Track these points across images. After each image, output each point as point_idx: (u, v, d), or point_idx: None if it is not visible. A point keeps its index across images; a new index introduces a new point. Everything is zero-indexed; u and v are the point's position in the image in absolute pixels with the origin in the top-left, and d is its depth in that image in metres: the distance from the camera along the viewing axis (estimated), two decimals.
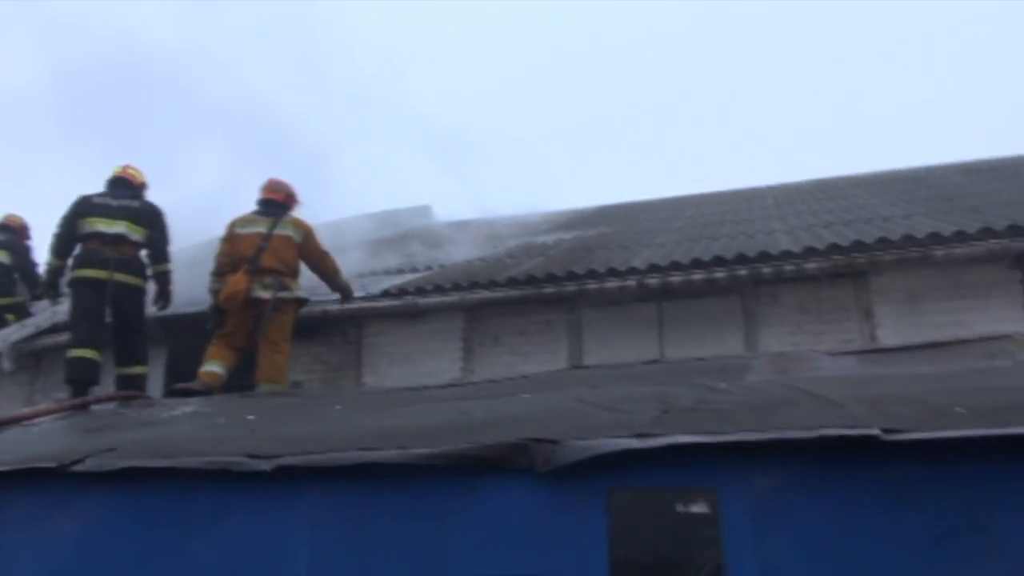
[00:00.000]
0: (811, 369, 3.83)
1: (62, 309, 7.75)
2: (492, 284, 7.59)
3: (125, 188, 6.43)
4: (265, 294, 5.81)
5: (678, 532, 2.49)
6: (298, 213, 6.45)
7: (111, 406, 5.12)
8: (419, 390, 4.74)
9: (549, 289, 7.39)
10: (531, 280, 7.54)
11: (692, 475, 2.59)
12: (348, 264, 9.34)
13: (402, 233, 14.98)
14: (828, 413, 2.67)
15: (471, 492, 2.88)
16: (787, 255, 6.99)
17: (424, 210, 18.96)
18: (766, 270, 6.92)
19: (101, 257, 6.04)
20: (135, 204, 6.34)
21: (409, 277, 8.93)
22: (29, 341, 7.59)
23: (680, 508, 2.53)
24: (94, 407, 5.05)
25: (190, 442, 3.41)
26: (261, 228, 6.06)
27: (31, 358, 8.04)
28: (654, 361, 5.48)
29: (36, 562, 3.33)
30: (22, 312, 7.50)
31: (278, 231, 6.06)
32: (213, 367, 5.84)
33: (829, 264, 6.80)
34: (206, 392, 5.54)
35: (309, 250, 6.13)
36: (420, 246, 12.39)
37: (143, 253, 6.35)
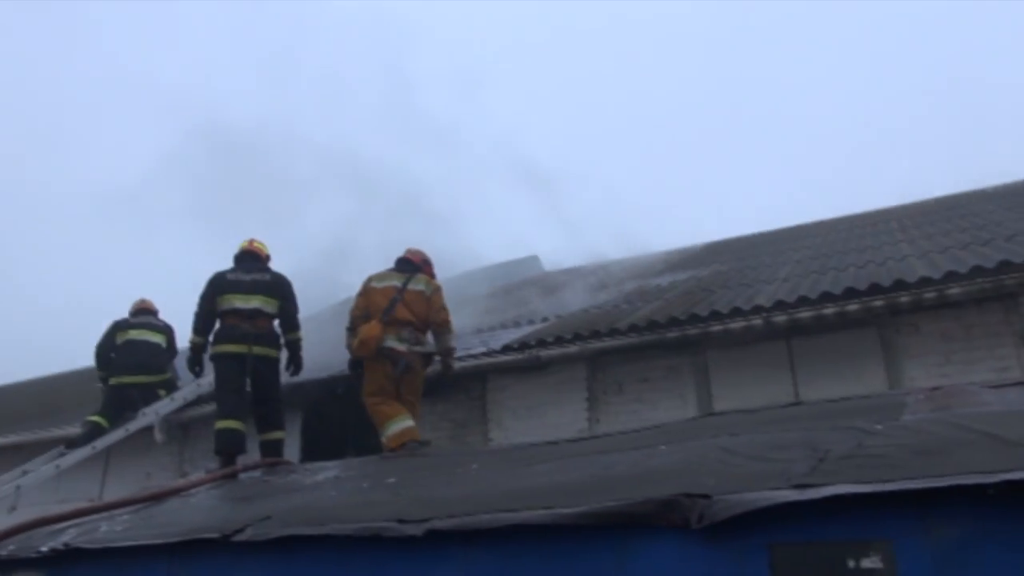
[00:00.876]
0: (974, 404, 3.56)
1: (205, 382, 8.21)
2: (613, 332, 7.51)
3: (253, 261, 6.80)
4: (400, 346, 5.93)
5: None
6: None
7: (257, 473, 5.34)
8: (553, 445, 4.72)
9: (672, 334, 7.24)
10: (652, 325, 7.42)
11: (860, 527, 2.43)
12: (467, 320, 9.51)
13: (515, 285, 15.14)
14: (1009, 454, 2.46)
15: (622, 551, 2.81)
16: (926, 281, 6.59)
17: (533, 261, 19.15)
18: (904, 299, 6.54)
19: (240, 332, 6.37)
20: (266, 277, 6.68)
21: (528, 329, 8.97)
22: (177, 413, 8.06)
23: (851, 563, 2.38)
24: (242, 476, 5.28)
25: (340, 508, 3.50)
26: (396, 282, 6.25)
27: (179, 429, 8.52)
28: (795, 403, 5.25)
29: None
30: (171, 388, 7.98)
31: (411, 286, 6.22)
32: (406, 423, 5.88)
33: (975, 288, 6.36)
34: (424, 445, 5.78)
35: (435, 305, 6.25)
36: (535, 296, 12.47)
37: (275, 323, 6.66)
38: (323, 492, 3.97)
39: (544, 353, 7.60)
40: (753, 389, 6.93)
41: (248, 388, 6.42)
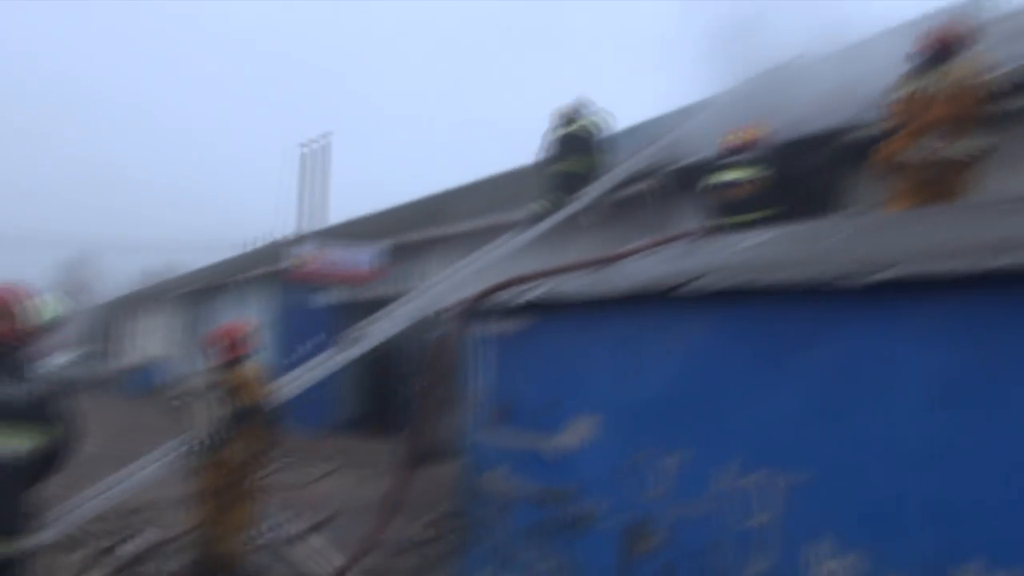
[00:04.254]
0: None
1: (634, 163, 8.62)
2: None
3: None
4: (928, 152, 5.33)
5: None
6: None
7: (691, 239, 5.52)
8: None
9: None
10: None
11: None
12: None
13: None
14: None
15: None
16: None
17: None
18: None
19: None
20: None
21: None
22: (606, 196, 8.64)
23: None
24: (678, 241, 5.51)
25: (782, 265, 3.46)
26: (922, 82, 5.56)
27: (610, 210, 9.12)
28: None
29: (658, 371, 3.84)
30: (598, 173, 8.59)
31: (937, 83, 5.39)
32: None
33: None
34: None
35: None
36: None
37: None
38: (761, 252, 3.95)
39: None
40: None
41: None
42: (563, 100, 9.01)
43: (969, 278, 2.67)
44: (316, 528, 7.14)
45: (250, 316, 18.49)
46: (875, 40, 7.27)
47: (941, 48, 5.42)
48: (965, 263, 2.68)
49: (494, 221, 10.65)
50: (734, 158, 6.56)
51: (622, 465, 3.92)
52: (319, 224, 18.18)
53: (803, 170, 6.98)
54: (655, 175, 8.33)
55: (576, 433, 4.25)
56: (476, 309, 4.99)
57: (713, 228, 5.90)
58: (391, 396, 13.14)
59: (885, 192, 5.62)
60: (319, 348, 8.36)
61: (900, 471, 2.87)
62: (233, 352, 5.90)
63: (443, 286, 7.54)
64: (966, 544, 2.69)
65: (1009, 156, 5.68)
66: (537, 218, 8.34)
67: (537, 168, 9.11)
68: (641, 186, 8.45)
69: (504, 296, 4.82)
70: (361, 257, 14.04)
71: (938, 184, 5.20)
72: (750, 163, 6.42)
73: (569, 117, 8.72)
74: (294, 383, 6.39)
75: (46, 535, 5.07)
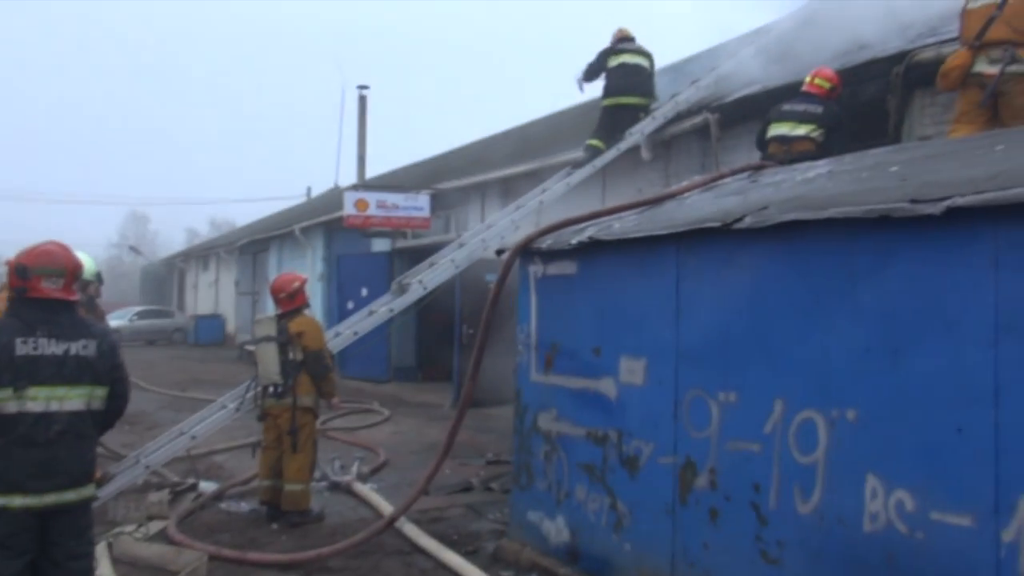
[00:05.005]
0: None
1: (682, 99, 8.40)
2: None
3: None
4: (991, 69, 5.08)
5: None
6: None
7: (745, 176, 5.38)
8: None
9: None
10: None
11: None
12: None
13: None
14: None
15: None
16: None
17: None
18: None
19: None
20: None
21: None
22: (660, 131, 8.45)
23: None
24: (729, 179, 5.38)
25: (841, 196, 3.35)
26: None
27: (663, 147, 8.95)
28: None
29: (710, 309, 3.79)
30: (652, 108, 8.37)
31: None
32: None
33: None
34: None
35: None
36: None
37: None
38: (819, 184, 3.83)
39: None
40: None
41: None
42: (613, 29, 8.75)
43: None
44: (374, 472, 7.34)
45: (304, 267, 18.84)
46: None
47: None
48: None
49: (539, 165, 10.54)
50: (799, 106, 6.24)
51: (671, 405, 3.92)
52: (364, 175, 18.26)
53: (861, 101, 6.71)
54: (705, 111, 8.10)
55: (624, 375, 4.25)
56: (528, 250, 4.97)
57: (762, 164, 5.71)
58: (442, 344, 13.27)
59: (945, 116, 5.37)
60: (372, 297, 8.45)
61: (961, 405, 2.80)
62: (293, 302, 6.02)
63: (494, 230, 7.50)
64: None
65: None
66: (594, 154, 8.17)
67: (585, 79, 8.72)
68: (693, 122, 8.24)
69: (556, 237, 4.79)
70: (416, 204, 14.10)
71: (1003, 103, 4.96)
72: (813, 117, 6.14)
73: (625, 45, 8.46)
74: (351, 330, 6.49)
75: (127, 477, 5.33)
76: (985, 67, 4.99)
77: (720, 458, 3.67)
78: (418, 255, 10.46)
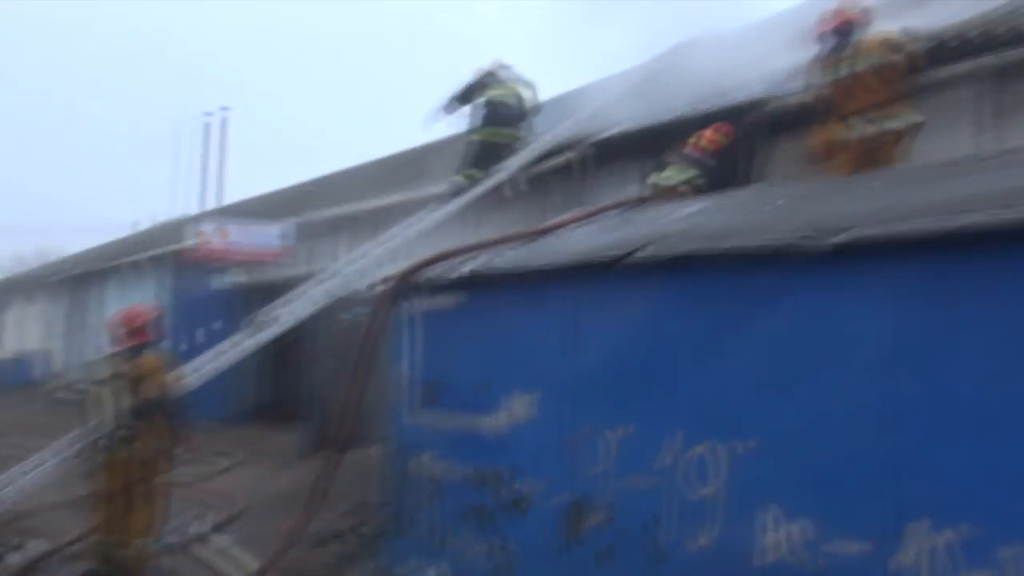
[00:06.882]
0: None
1: (551, 137, 8.48)
2: None
3: None
4: (855, 135, 5.33)
5: None
6: None
7: (620, 212, 5.42)
8: (958, 164, 4.09)
9: None
10: None
11: None
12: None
13: None
14: None
15: None
16: None
17: None
18: None
19: None
20: None
21: None
22: (533, 166, 8.45)
23: None
24: (607, 214, 5.40)
25: (732, 230, 3.38)
26: None
27: (536, 181, 8.93)
28: None
29: (604, 342, 3.71)
30: (523, 143, 8.37)
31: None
32: None
33: None
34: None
35: None
36: None
37: None
38: (708, 217, 3.88)
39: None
40: None
41: None
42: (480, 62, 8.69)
43: (926, 239, 2.64)
44: (224, 525, 6.73)
45: (142, 301, 17.45)
46: (780, 17, 7.37)
47: (841, 33, 5.47)
48: (927, 223, 2.64)
49: (405, 198, 10.33)
50: (685, 157, 6.41)
51: (563, 442, 3.80)
52: (218, 202, 17.31)
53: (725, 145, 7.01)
54: (577, 147, 8.21)
55: (513, 411, 4.10)
56: (404, 286, 4.74)
57: (641, 198, 5.81)
58: (296, 383, 12.62)
59: (817, 169, 5.65)
60: (219, 334, 7.91)
61: (854, 435, 2.85)
62: (135, 339, 5.43)
63: (360, 264, 7.22)
64: (916, 505, 2.69)
65: (929, 124, 5.85)
66: (458, 191, 8.06)
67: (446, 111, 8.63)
68: (563, 158, 8.32)
69: (434, 271, 4.60)
70: (267, 236, 13.38)
71: (872, 161, 5.26)
72: (693, 162, 6.34)
73: (490, 80, 8.42)
74: (199, 372, 5.96)
75: None
76: (848, 134, 5.27)
77: (616, 493, 3.58)
78: (274, 290, 9.90)
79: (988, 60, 6.12)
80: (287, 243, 13.29)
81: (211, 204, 17.17)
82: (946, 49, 5.96)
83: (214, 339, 7.28)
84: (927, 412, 2.68)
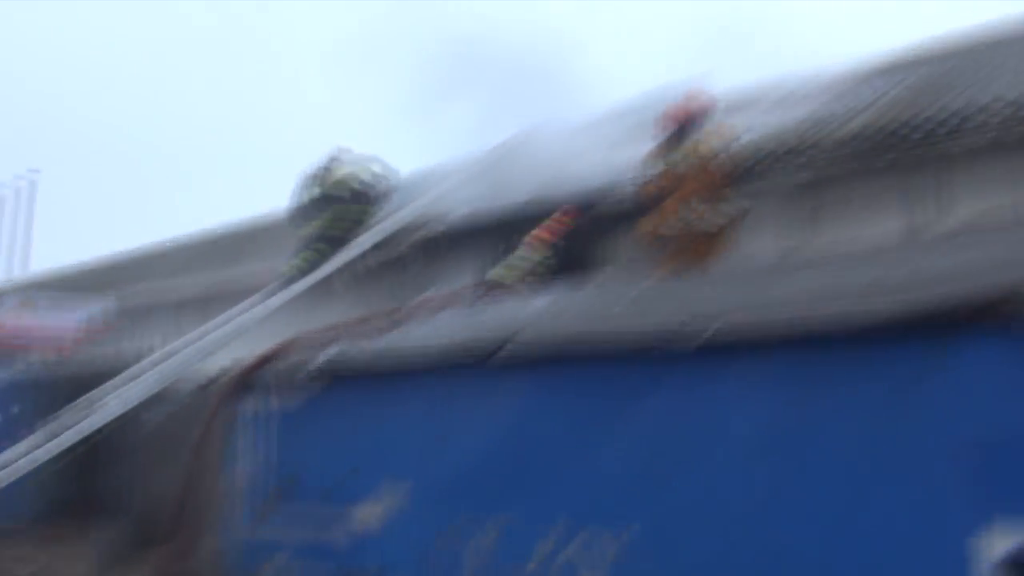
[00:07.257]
0: None
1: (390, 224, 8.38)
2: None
3: None
4: (671, 230, 5.61)
5: None
6: None
7: (471, 298, 5.38)
8: (787, 260, 4.43)
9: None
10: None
11: None
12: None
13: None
14: None
15: (940, 352, 2.57)
16: None
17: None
18: None
19: None
20: None
21: None
22: (378, 248, 8.30)
23: None
24: (457, 305, 5.34)
25: (588, 326, 3.42)
26: None
27: (383, 265, 8.75)
28: None
29: (478, 433, 3.56)
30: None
31: None
32: None
33: None
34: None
35: None
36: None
37: None
38: (571, 306, 3.90)
39: None
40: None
41: None
42: (311, 158, 8.53)
43: (790, 330, 2.77)
44: None
45: None
46: (621, 107, 7.81)
47: (681, 125, 5.88)
48: (792, 312, 2.78)
49: (237, 275, 9.81)
50: (536, 240, 6.52)
51: (432, 540, 3.59)
52: (22, 274, 15.57)
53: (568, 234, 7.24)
54: (412, 237, 8.20)
55: (375, 510, 3.85)
56: (247, 381, 4.40)
57: (491, 284, 5.84)
58: (107, 474, 11.35)
59: (648, 259, 5.94)
60: (19, 426, 7.06)
61: (726, 525, 2.89)
62: None
63: (185, 354, 6.68)
64: None
65: (756, 220, 6.35)
66: (290, 280, 7.77)
67: (290, 222, 8.53)
68: (399, 248, 8.28)
69: (283, 363, 4.31)
70: (70, 317, 12.01)
71: (697, 250, 5.60)
72: (544, 245, 6.49)
73: (321, 177, 8.25)
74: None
75: None
76: (680, 222, 5.60)
77: None
78: (76, 381, 8.87)
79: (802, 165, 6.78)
80: (102, 321, 12.07)
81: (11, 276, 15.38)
82: (764, 152, 6.56)
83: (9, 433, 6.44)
84: (796, 499, 2.77)
